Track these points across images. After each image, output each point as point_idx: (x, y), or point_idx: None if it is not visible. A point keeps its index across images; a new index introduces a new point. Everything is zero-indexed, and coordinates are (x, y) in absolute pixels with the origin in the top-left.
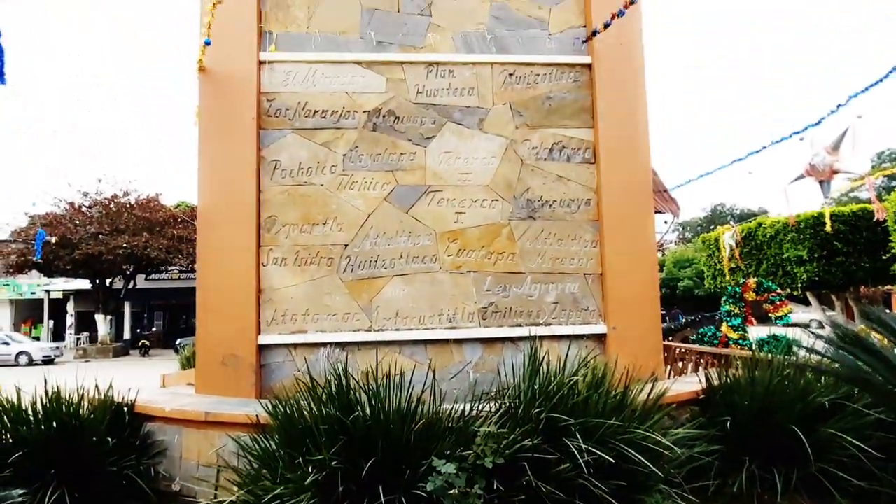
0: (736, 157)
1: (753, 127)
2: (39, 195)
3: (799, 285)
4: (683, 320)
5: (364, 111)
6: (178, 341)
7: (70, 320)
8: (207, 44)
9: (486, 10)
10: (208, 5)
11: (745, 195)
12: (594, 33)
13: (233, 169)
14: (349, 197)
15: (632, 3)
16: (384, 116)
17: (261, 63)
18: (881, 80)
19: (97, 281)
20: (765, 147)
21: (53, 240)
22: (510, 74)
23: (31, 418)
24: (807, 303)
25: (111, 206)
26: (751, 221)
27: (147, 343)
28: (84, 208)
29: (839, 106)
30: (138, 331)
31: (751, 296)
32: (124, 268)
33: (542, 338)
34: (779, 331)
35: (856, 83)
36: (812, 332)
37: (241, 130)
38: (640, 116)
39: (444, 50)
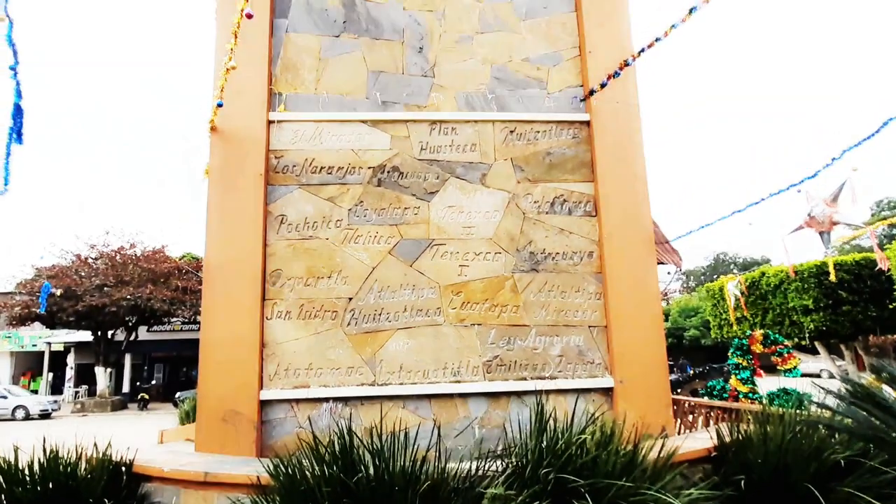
0: (735, 209)
1: (751, 176)
2: (48, 247)
3: (806, 335)
4: (691, 371)
5: (369, 167)
6: (177, 395)
7: (70, 373)
8: (220, 105)
9: (487, 71)
10: (222, 70)
11: (747, 244)
12: (591, 93)
13: (240, 224)
14: (354, 250)
15: (626, 64)
16: (389, 172)
17: (270, 122)
18: (873, 135)
19: (99, 333)
20: (763, 199)
21: (58, 292)
22: (511, 131)
23: (28, 478)
24: (815, 352)
25: (117, 257)
26: (754, 271)
27: (146, 396)
28: (90, 260)
29: (834, 160)
30: (138, 384)
31: (758, 348)
32: (126, 319)
33: (548, 392)
34: (789, 383)
35: (852, 132)
36: (822, 388)
37: (249, 186)
38: (639, 170)
39: (446, 109)
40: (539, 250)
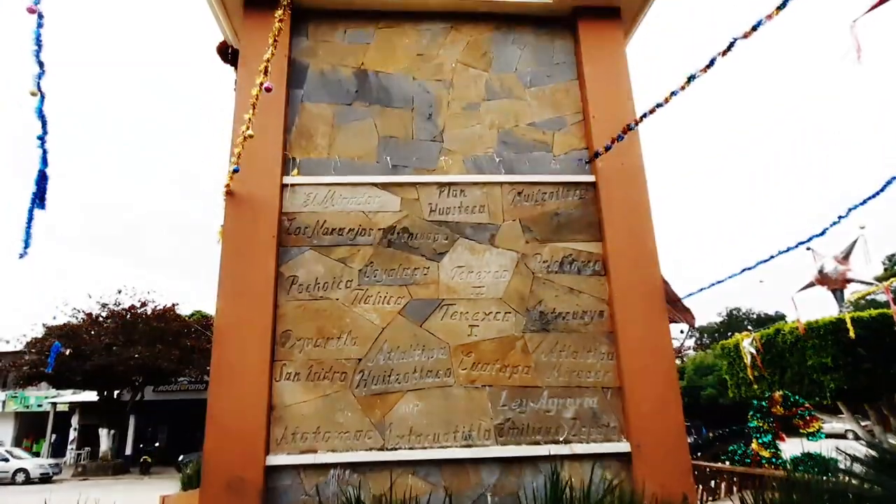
0: (745, 266)
1: (759, 230)
2: (60, 305)
3: (827, 394)
4: (707, 434)
5: (379, 229)
6: (181, 458)
7: (73, 434)
8: (236, 171)
9: (494, 135)
10: (239, 137)
11: (761, 299)
12: (596, 155)
13: (251, 285)
14: (364, 311)
15: (629, 129)
16: (399, 233)
17: (283, 186)
18: (879, 192)
19: (105, 393)
20: (772, 256)
21: (67, 352)
22: (518, 193)
23: None
24: (838, 412)
25: (127, 316)
26: (769, 328)
27: (149, 459)
28: (101, 318)
29: (840, 217)
30: (141, 445)
31: (778, 410)
32: (133, 379)
33: (562, 458)
34: (813, 447)
35: (858, 189)
36: (847, 455)
37: (262, 248)
38: (646, 229)
39: (455, 171)
40: (549, 310)
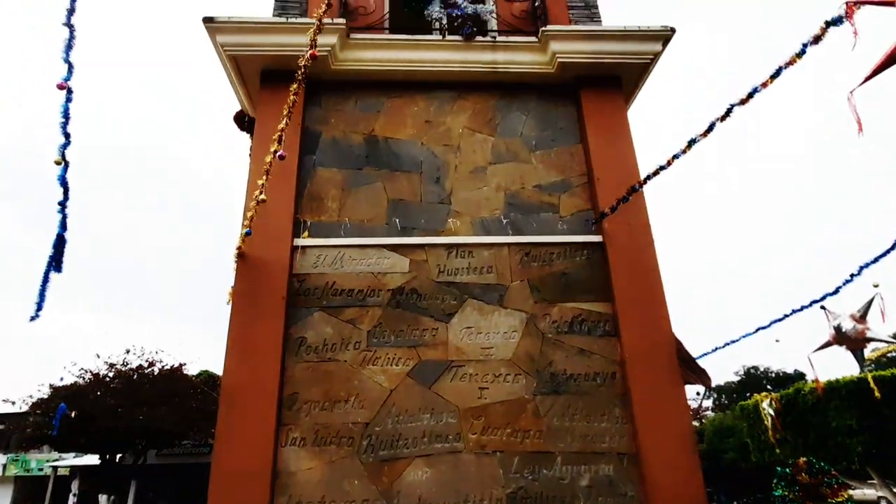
0: (759, 325)
1: (771, 289)
2: (68, 365)
3: (855, 458)
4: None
5: (388, 290)
6: None
7: (72, 500)
8: (248, 234)
9: (501, 197)
10: (252, 202)
11: (778, 357)
12: (602, 216)
13: (259, 347)
14: (372, 373)
15: (633, 190)
16: (407, 294)
17: (294, 248)
18: (890, 250)
19: (107, 456)
20: (786, 315)
21: (73, 414)
22: (526, 254)
23: None
24: (868, 477)
25: (134, 377)
26: (789, 388)
27: None
28: (107, 379)
29: (853, 275)
30: None
31: (804, 478)
32: (137, 442)
33: None
34: None
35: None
36: None
37: (271, 309)
38: (656, 288)
39: (463, 233)
40: (560, 371)
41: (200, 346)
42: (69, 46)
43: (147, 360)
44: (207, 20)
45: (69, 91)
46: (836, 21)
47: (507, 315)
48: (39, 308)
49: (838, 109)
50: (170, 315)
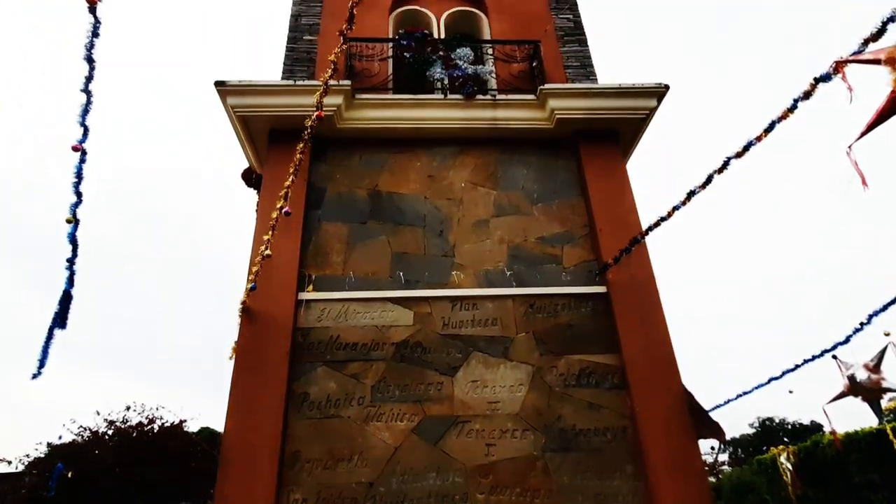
0: (772, 376)
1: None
2: (67, 423)
3: None
4: None
5: (392, 343)
6: None
7: None
8: (253, 289)
9: (504, 250)
10: (258, 257)
11: (794, 407)
12: (605, 267)
13: (262, 404)
14: (376, 429)
15: (635, 241)
16: (412, 347)
17: (298, 302)
18: None
19: None
20: (798, 366)
21: (69, 474)
22: (530, 305)
23: None
24: None
25: (134, 434)
26: (807, 440)
27: None
28: (106, 437)
29: (862, 324)
30: None
31: None
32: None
33: None
34: None
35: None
36: None
37: (274, 365)
38: (663, 339)
39: (467, 285)
40: (569, 426)
41: (202, 402)
42: (86, 111)
43: (147, 417)
44: (219, 84)
45: (83, 153)
46: (825, 78)
47: (513, 368)
48: (42, 365)
49: (842, 163)
50: (172, 370)
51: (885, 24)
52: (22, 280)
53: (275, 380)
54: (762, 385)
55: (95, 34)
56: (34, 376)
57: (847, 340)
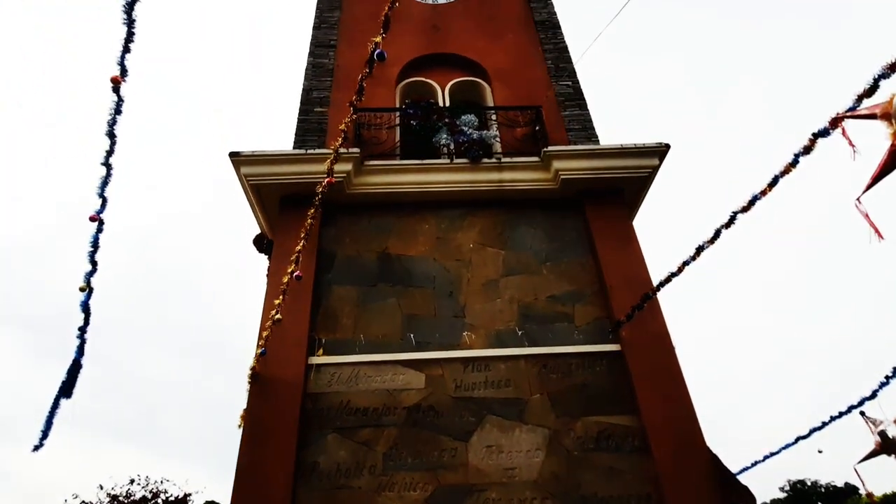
0: (799, 435)
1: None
2: (69, 498)
3: None
4: None
5: (404, 407)
6: None
7: None
8: (263, 354)
9: (515, 309)
10: (268, 321)
11: (826, 466)
12: (618, 324)
13: (270, 475)
14: (388, 500)
15: (647, 297)
16: (424, 412)
17: (308, 367)
18: None
19: None
20: (825, 423)
21: None
22: (544, 365)
23: None
24: None
25: None
26: None
27: None
28: None
29: (888, 378)
30: None
31: None
32: None
33: None
34: None
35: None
36: None
37: (283, 434)
38: (682, 397)
39: (478, 346)
40: (590, 494)
41: (208, 473)
42: (105, 183)
43: (151, 491)
44: (233, 154)
45: (101, 223)
46: (824, 132)
47: (529, 431)
48: (45, 437)
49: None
50: (177, 440)
51: (877, 80)
52: (33, 352)
53: (283, 449)
54: (790, 445)
55: (118, 111)
56: (36, 448)
57: (874, 395)
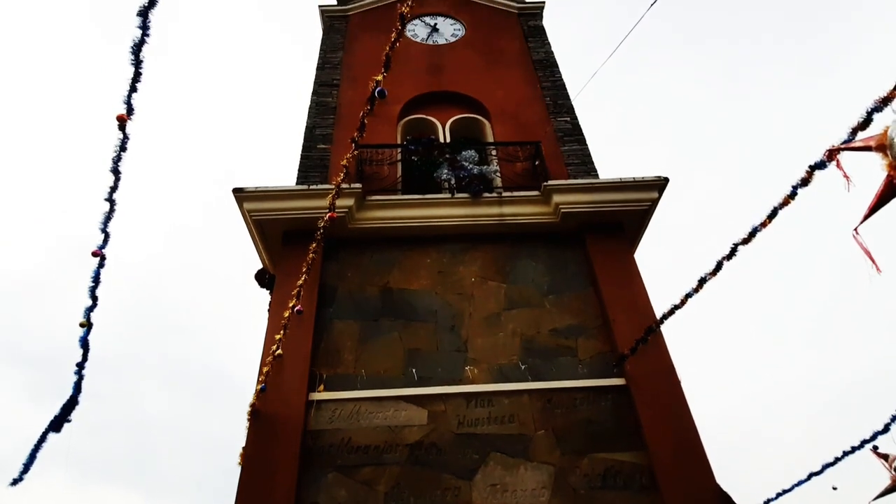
0: (812, 471)
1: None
2: None
3: None
4: None
5: (406, 444)
6: None
7: None
8: (263, 390)
9: (518, 343)
10: (269, 357)
11: (841, 502)
12: (622, 358)
13: None
14: None
15: (651, 331)
16: (426, 449)
17: (309, 403)
18: None
19: None
20: (838, 459)
21: None
22: (548, 400)
23: None
24: None
25: None
26: None
27: None
28: None
29: None
30: None
31: None
32: None
33: None
34: None
35: None
36: None
37: (283, 473)
38: (690, 433)
39: (481, 381)
40: None
41: None
42: (108, 218)
43: None
44: (237, 191)
45: (103, 258)
46: (820, 165)
47: (534, 469)
48: (26, 470)
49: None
50: (172, 480)
51: (870, 113)
52: (32, 390)
53: (283, 488)
54: (803, 482)
55: (123, 148)
56: (14, 482)
57: (886, 429)
